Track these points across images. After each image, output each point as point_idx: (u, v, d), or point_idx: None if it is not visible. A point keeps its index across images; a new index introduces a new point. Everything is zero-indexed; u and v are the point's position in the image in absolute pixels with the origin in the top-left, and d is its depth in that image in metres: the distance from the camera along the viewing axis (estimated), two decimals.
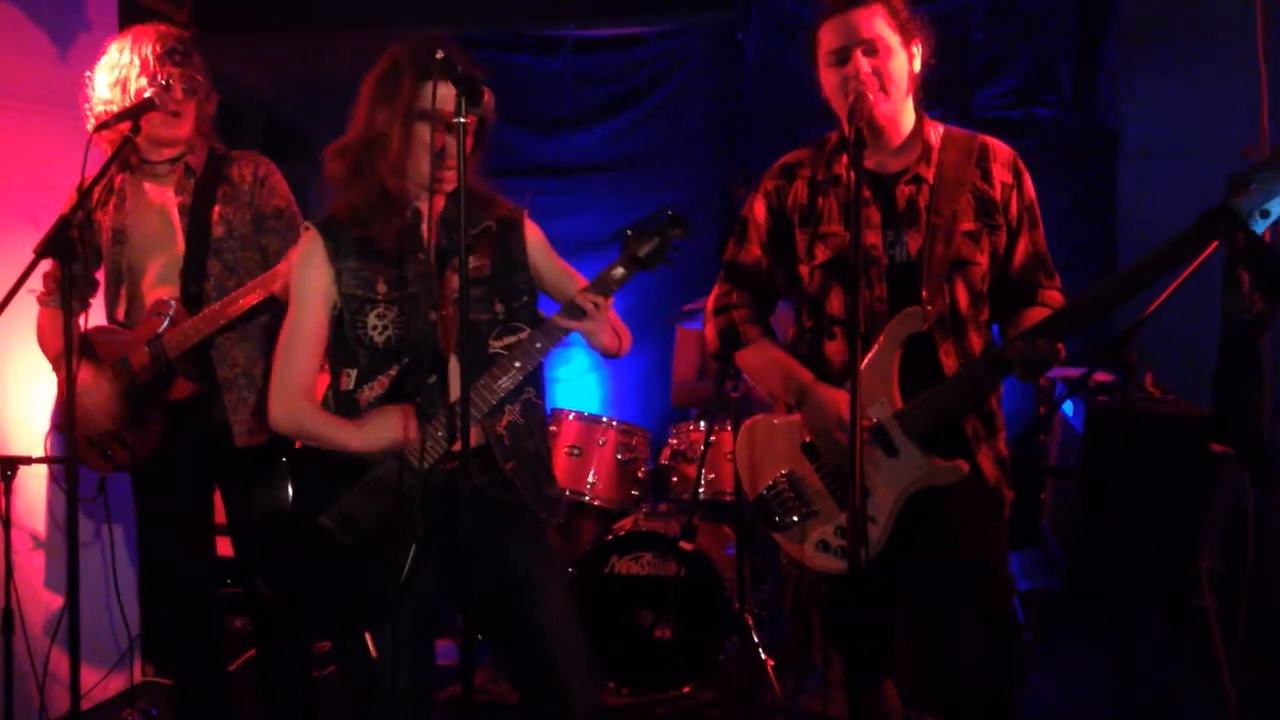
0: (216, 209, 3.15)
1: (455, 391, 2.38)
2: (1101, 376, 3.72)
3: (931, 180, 2.54)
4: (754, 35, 5.59)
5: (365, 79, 2.45)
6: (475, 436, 2.39)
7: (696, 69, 5.92)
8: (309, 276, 2.45)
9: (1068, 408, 3.78)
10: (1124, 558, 3.33)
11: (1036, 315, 2.49)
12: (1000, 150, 2.60)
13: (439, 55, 2.21)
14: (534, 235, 2.61)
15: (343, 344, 2.46)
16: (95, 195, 3.19)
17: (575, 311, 2.39)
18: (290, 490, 2.44)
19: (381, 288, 2.43)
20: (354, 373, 2.45)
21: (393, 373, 2.42)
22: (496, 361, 2.40)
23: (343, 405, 2.46)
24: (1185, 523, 3.29)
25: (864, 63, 2.47)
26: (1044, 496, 4.07)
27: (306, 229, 2.48)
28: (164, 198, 3.19)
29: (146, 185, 3.20)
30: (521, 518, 2.51)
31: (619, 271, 2.42)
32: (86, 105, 3.13)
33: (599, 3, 5.91)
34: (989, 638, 2.46)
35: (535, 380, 2.53)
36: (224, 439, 3.14)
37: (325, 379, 2.53)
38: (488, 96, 2.28)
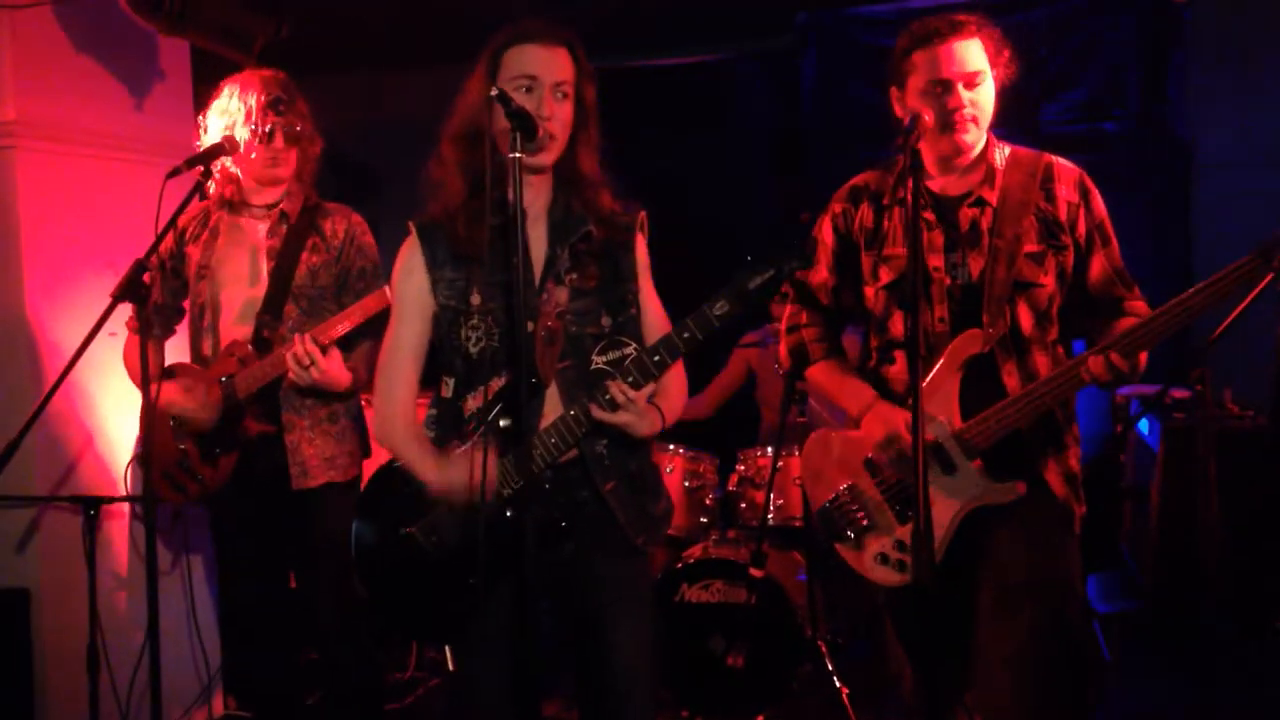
0: (304, 256, 3.22)
1: (552, 411, 2.31)
2: (1178, 393, 3.66)
3: (995, 203, 2.54)
4: (812, 60, 5.58)
5: (458, 94, 2.39)
6: (573, 452, 2.32)
7: (756, 95, 5.93)
8: (408, 288, 2.41)
9: (1143, 426, 3.71)
10: (1205, 578, 3.26)
11: (1126, 325, 2.45)
12: (1065, 170, 2.59)
13: (494, 92, 2.14)
14: (640, 251, 2.47)
15: (441, 350, 2.42)
16: (189, 229, 3.29)
17: (608, 404, 2.24)
18: (386, 503, 2.43)
19: (475, 298, 2.35)
20: (452, 381, 2.42)
21: (494, 385, 2.33)
22: (599, 379, 2.27)
23: (445, 412, 2.43)
24: (1267, 541, 3.20)
25: (966, 97, 2.48)
26: (1122, 517, 3.99)
27: (410, 228, 2.43)
28: (255, 239, 3.27)
29: (241, 224, 3.28)
30: (614, 542, 2.40)
31: (722, 307, 2.18)
32: (197, 144, 3.24)
33: (659, 31, 5.96)
34: (1060, 654, 2.46)
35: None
36: (284, 480, 3.20)
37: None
38: (565, 53, 2.26)
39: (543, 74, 2.29)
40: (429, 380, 2.50)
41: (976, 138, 2.53)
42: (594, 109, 2.40)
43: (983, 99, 2.51)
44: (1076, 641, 2.55)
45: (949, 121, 2.47)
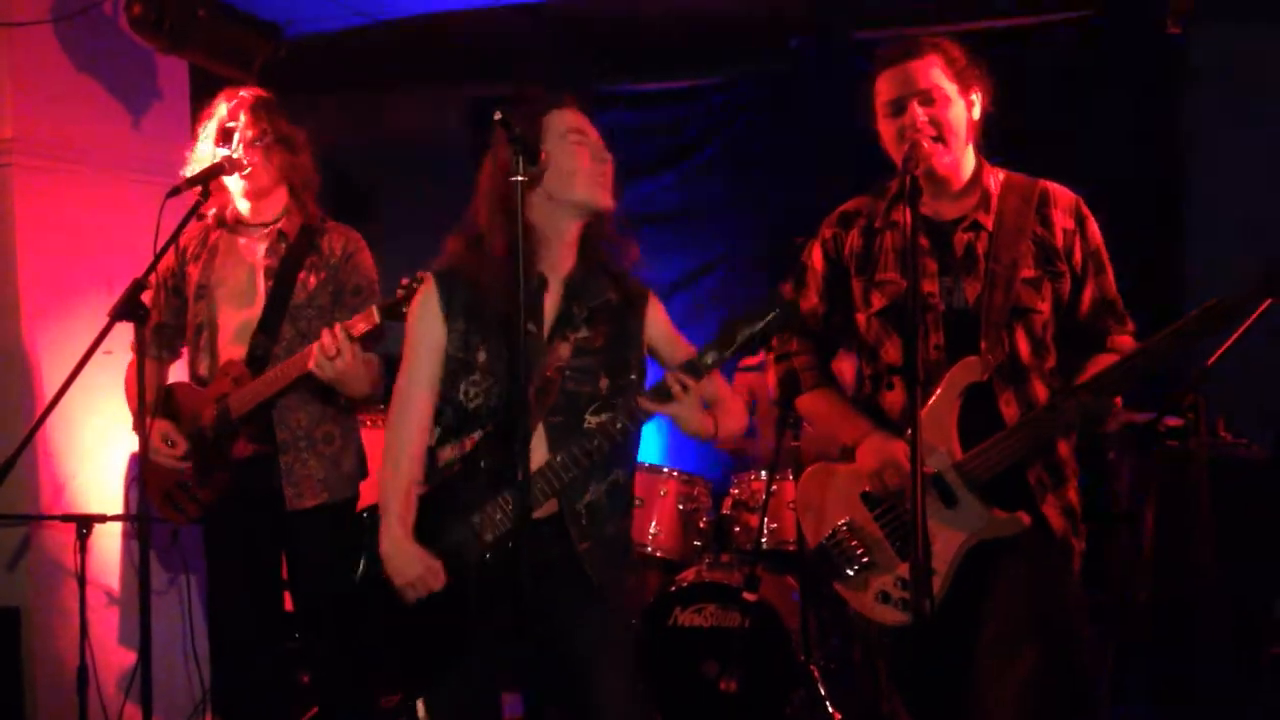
0: (301, 275, 3.22)
1: (536, 459, 2.33)
2: (1172, 421, 3.66)
3: (990, 227, 2.52)
4: (810, 85, 5.61)
5: (485, 159, 2.45)
6: (548, 506, 2.36)
7: (752, 119, 5.95)
8: (424, 330, 2.43)
9: (1137, 454, 3.72)
10: (1198, 605, 3.26)
11: (1105, 361, 2.46)
12: (1062, 195, 2.57)
13: (497, 116, 2.21)
14: (656, 315, 2.55)
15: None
16: (190, 249, 3.29)
17: (662, 393, 2.31)
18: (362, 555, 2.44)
19: (481, 356, 2.40)
20: (438, 431, 2.44)
21: (475, 437, 2.39)
22: (585, 437, 2.35)
23: (427, 455, 2.45)
24: (1259, 569, 3.21)
25: (920, 112, 2.47)
26: (1115, 545, 4.00)
27: (424, 278, 2.48)
28: (253, 258, 3.26)
29: (239, 243, 3.28)
30: (591, 602, 2.42)
31: (712, 356, 2.30)
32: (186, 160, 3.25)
33: (656, 56, 5.99)
34: (1062, 698, 2.40)
35: (625, 462, 2.48)
36: (279, 501, 3.19)
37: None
38: (573, 107, 2.38)
39: (589, 131, 2.44)
40: None
41: (949, 158, 2.50)
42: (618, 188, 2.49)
43: (945, 117, 2.47)
44: (1079, 684, 2.48)
45: (904, 137, 2.45)
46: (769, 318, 2.27)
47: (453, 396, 2.41)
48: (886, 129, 2.54)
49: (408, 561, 2.34)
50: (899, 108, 2.49)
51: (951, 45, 2.54)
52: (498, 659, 2.41)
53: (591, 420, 2.38)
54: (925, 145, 2.44)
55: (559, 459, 2.33)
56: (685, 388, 2.29)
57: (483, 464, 2.37)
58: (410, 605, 2.36)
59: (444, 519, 2.39)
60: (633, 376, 2.46)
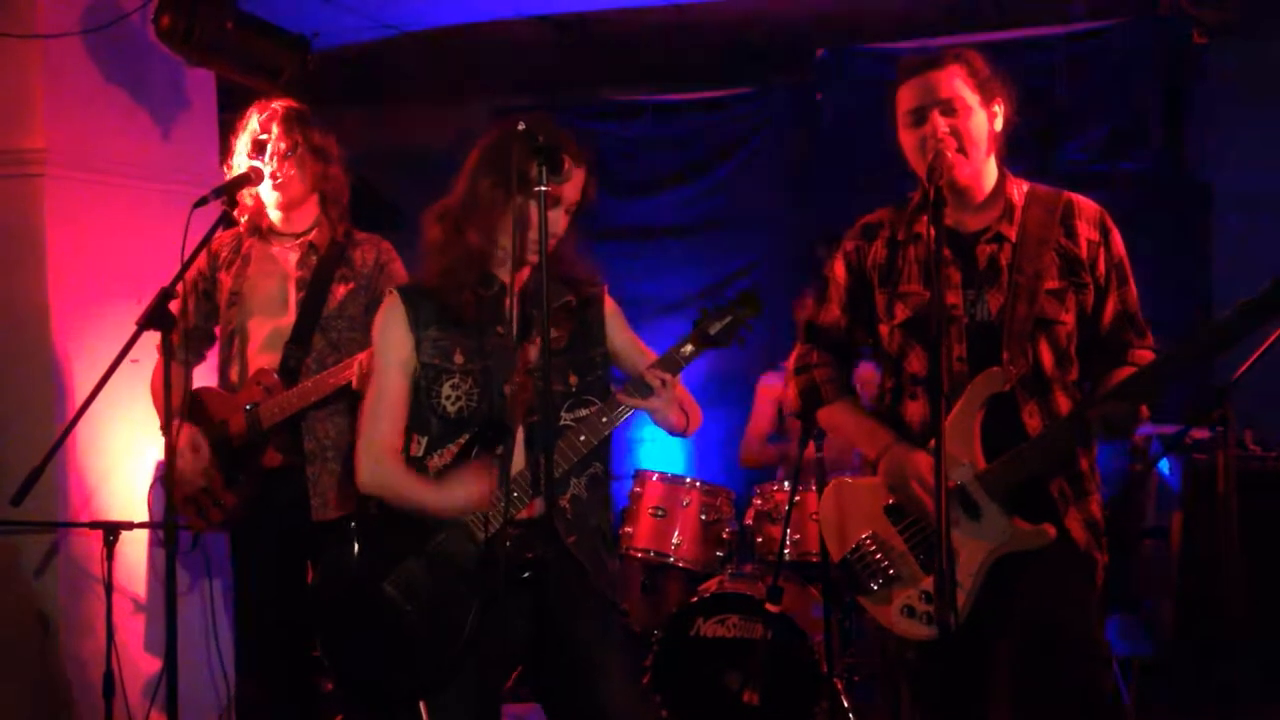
0: (333, 287, 3.25)
1: (519, 462, 2.40)
2: (1199, 433, 3.63)
3: (1014, 238, 2.51)
4: (831, 96, 5.61)
5: (475, 145, 2.50)
6: (538, 509, 2.38)
7: (774, 131, 5.96)
8: (389, 343, 2.48)
9: (1164, 466, 3.69)
10: (1226, 620, 3.23)
11: (1124, 374, 2.44)
12: (1086, 207, 2.56)
13: (520, 126, 2.25)
14: (611, 310, 2.62)
15: (417, 411, 2.48)
16: (223, 255, 3.33)
17: (642, 389, 2.39)
18: (354, 556, 2.48)
19: (459, 358, 2.45)
20: (425, 440, 2.47)
21: (461, 441, 2.44)
22: (564, 434, 2.40)
23: (412, 468, 2.48)
24: None
25: (941, 123, 2.46)
26: (1142, 559, 3.96)
27: (390, 294, 2.53)
28: (286, 267, 3.29)
29: (272, 252, 3.31)
30: (587, 593, 2.47)
31: (688, 349, 2.42)
32: (225, 171, 3.29)
33: (678, 69, 6.00)
34: (1081, 710, 2.38)
35: (603, 455, 2.53)
36: (304, 511, 3.20)
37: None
38: (583, 175, 2.39)
39: (567, 196, 2.44)
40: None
41: (970, 169, 2.50)
42: (580, 212, 2.52)
43: (967, 127, 2.47)
44: (1102, 698, 2.46)
45: (926, 148, 2.45)
46: (736, 310, 2.42)
47: (435, 404, 2.44)
48: (908, 139, 2.53)
49: (459, 489, 2.39)
50: (920, 118, 2.49)
51: (975, 56, 2.54)
52: (498, 660, 2.43)
53: (566, 417, 2.45)
54: (949, 156, 2.43)
55: (543, 458, 2.34)
56: (665, 383, 2.38)
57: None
58: (408, 609, 2.39)
59: (434, 522, 2.42)
60: (599, 372, 2.54)
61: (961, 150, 2.46)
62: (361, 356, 3.03)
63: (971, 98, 2.49)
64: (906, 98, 2.52)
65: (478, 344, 2.44)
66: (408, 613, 2.40)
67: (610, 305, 2.62)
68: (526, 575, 2.36)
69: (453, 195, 2.48)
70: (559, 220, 2.45)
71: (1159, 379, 2.33)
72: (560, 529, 2.42)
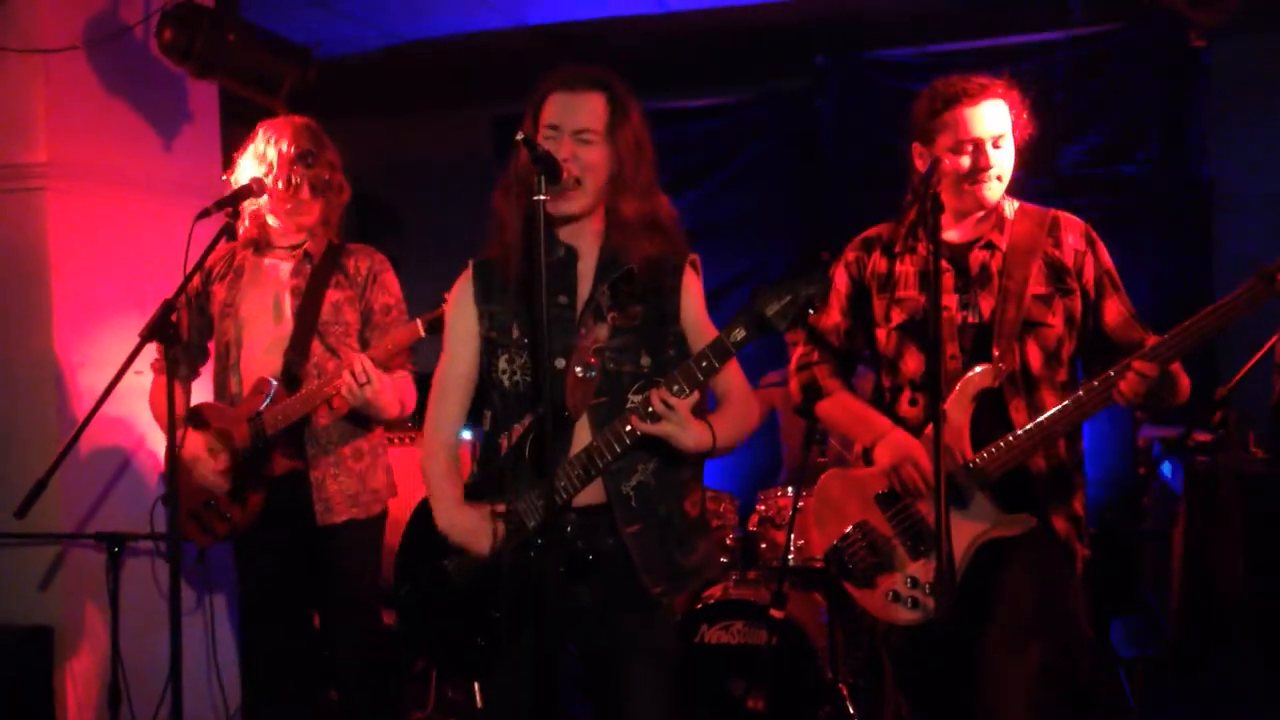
0: (327, 294, 3.26)
1: (580, 443, 2.31)
2: (1201, 436, 3.64)
3: (1004, 247, 2.64)
4: (832, 101, 5.63)
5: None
6: (595, 494, 2.32)
7: (776, 136, 5.98)
8: (457, 319, 2.47)
9: (1166, 469, 3.69)
10: (1229, 622, 3.24)
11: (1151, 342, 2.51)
12: (1072, 222, 2.68)
13: (519, 136, 2.24)
14: (691, 288, 2.42)
15: (483, 385, 2.47)
16: (216, 269, 3.34)
17: (650, 415, 2.22)
18: (424, 533, 2.45)
19: (514, 332, 2.39)
20: (490, 415, 2.46)
21: (525, 422, 2.36)
22: (609, 427, 2.28)
23: (486, 444, 2.47)
24: None
25: (993, 156, 2.58)
26: (1145, 561, 3.96)
27: (467, 267, 2.48)
28: (279, 278, 3.31)
29: (265, 264, 3.33)
30: (631, 592, 2.34)
31: (739, 334, 2.16)
32: (226, 181, 3.30)
33: (676, 77, 6.02)
34: (1061, 694, 2.50)
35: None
36: (308, 517, 3.21)
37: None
38: (599, 100, 2.31)
39: (563, 122, 2.33)
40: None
41: (998, 194, 2.63)
42: (635, 153, 2.37)
43: (1006, 159, 2.61)
44: (1084, 681, 2.60)
45: (976, 179, 2.57)
46: (798, 287, 2.11)
47: (494, 378, 2.42)
48: (949, 160, 2.58)
49: (462, 531, 2.36)
50: (977, 148, 2.57)
51: (1012, 87, 2.64)
52: (555, 647, 2.31)
53: (634, 399, 2.31)
54: (993, 185, 2.58)
55: (598, 442, 2.28)
56: (669, 406, 2.20)
57: (526, 450, 2.34)
58: (461, 592, 2.38)
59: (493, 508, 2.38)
60: (672, 353, 2.38)
61: (1000, 178, 2.61)
62: (356, 360, 3.04)
63: (1011, 131, 2.62)
64: (955, 125, 2.58)
65: (532, 316, 2.32)
66: (461, 591, 2.38)
67: (691, 281, 2.43)
68: (563, 570, 2.27)
69: (509, 167, 2.42)
70: (581, 152, 2.30)
71: (1194, 336, 2.38)
72: (619, 518, 2.32)
